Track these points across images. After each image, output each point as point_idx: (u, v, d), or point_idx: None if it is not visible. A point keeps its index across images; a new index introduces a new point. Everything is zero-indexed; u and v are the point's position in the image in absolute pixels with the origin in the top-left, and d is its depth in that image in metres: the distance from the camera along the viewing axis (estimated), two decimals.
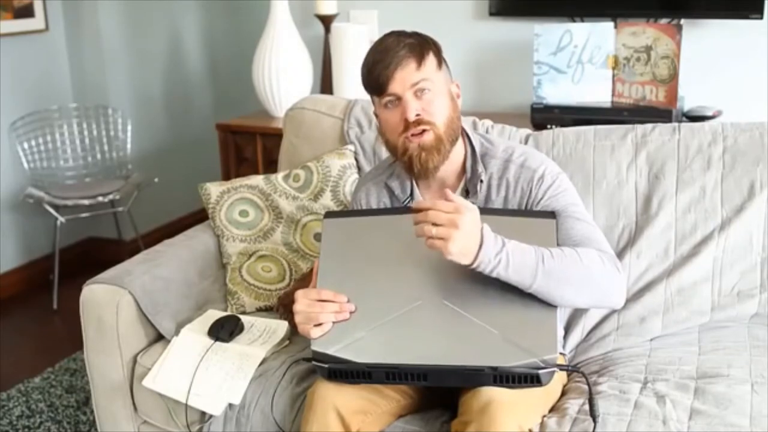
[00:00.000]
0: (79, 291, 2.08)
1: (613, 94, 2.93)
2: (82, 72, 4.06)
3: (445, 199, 1.53)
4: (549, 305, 1.57)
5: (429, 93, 1.69)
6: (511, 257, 1.52)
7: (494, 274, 1.52)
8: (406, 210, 1.78)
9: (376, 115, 1.80)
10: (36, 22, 3.84)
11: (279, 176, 2.38)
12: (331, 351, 1.59)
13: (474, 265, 1.51)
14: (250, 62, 3.46)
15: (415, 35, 1.73)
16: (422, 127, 1.68)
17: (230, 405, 1.86)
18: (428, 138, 1.69)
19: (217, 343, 1.97)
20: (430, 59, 1.71)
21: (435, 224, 1.48)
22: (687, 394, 1.66)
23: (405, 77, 1.67)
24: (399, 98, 1.69)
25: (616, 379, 1.75)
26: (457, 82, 1.80)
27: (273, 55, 3.36)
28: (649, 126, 2.12)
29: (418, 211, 1.53)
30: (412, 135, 1.69)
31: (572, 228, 1.70)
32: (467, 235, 1.49)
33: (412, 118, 1.67)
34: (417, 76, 1.68)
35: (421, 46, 1.71)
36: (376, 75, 1.69)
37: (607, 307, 1.93)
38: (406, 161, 1.72)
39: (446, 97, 1.73)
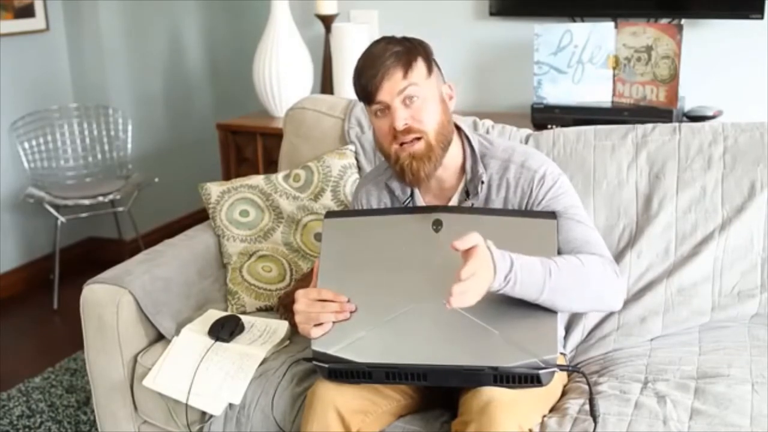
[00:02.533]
0: (80, 291, 2.08)
1: (613, 94, 2.93)
2: (83, 72, 4.06)
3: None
4: None
5: (418, 100, 1.67)
6: (519, 276, 1.52)
7: (501, 292, 1.52)
8: (407, 210, 1.78)
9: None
10: (36, 22, 3.84)
11: (279, 176, 2.38)
12: (332, 351, 1.59)
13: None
14: (251, 62, 3.45)
15: (404, 41, 1.72)
16: (412, 135, 1.67)
17: (230, 405, 1.86)
18: (419, 147, 1.68)
19: (218, 343, 1.97)
20: (419, 65, 1.69)
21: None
22: (687, 394, 1.66)
23: (392, 86, 1.66)
24: (388, 107, 1.68)
25: (617, 379, 1.75)
26: (450, 83, 1.78)
27: (273, 54, 3.36)
28: (649, 126, 2.12)
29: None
30: (403, 144, 1.68)
31: (572, 230, 1.70)
32: (484, 286, 1.49)
33: (400, 127, 1.66)
34: (403, 84, 1.66)
35: (408, 52, 1.69)
36: (364, 84, 1.68)
37: (605, 311, 1.93)
38: (398, 170, 1.72)
39: (436, 102, 1.71)
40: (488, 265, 1.48)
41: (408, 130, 1.67)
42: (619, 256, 2.00)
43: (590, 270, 1.59)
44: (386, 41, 1.72)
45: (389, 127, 1.68)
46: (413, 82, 1.67)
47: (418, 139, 1.68)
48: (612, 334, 1.96)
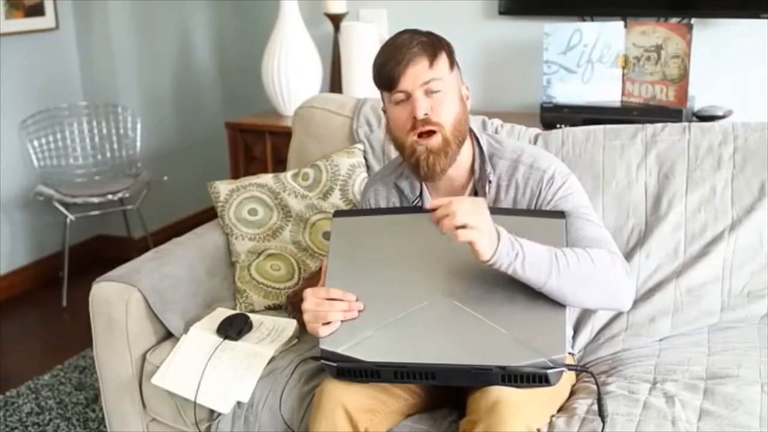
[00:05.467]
0: (89, 288, 2.08)
1: (622, 94, 2.92)
2: (92, 70, 4.07)
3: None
4: (558, 305, 1.56)
5: (439, 93, 1.68)
6: (526, 253, 1.51)
7: (510, 270, 1.51)
8: (416, 210, 1.78)
9: (384, 112, 1.80)
10: (46, 21, 3.85)
11: (288, 175, 2.38)
12: (340, 350, 1.59)
13: (493, 260, 1.50)
14: (260, 61, 3.46)
15: (429, 34, 1.73)
16: (430, 126, 1.68)
17: (239, 403, 1.86)
18: (436, 141, 1.69)
19: (226, 341, 1.97)
20: (443, 59, 1.70)
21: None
22: (696, 394, 1.65)
23: (416, 74, 1.67)
24: (409, 95, 1.68)
25: (625, 380, 1.75)
26: (467, 84, 1.80)
27: (282, 53, 3.36)
28: (659, 125, 2.11)
29: (433, 210, 1.52)
30: (420, 136, 1.68)
31: (581, 229, 1.70)
32: (490, 227, 1.50)
33: (420, 115, 1.67)
34: (428, 75, 1.67)
35: (434, 45, 1.70)
36: (387, 70, 1.68)
37: (614, 309, 1.92)
38: (413, 163, 1.72)
39: (456, 97, 1.72)
40: (487, 215, 1.51)
41: (427, 121, 1.68)
42: (628, 256, 2.00)
43: (598, 261, 1.59)
44: (411, 32, 1.73)
45: (408, 116, 1.69)
46: (437, 76, 1.68)
47: (435, 132, 1.68)
48: (621, 335, 1.95)
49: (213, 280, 2.24)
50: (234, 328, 1.99)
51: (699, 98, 2.88)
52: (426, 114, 1.67)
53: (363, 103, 2.45)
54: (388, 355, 1.57)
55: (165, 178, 3.91)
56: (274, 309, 2.21)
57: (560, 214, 1.68)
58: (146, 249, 2.50)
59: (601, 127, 2.15)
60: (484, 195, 1.77)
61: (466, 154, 1.78)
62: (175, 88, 4.41)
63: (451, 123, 1.70)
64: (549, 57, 2.92)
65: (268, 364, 1.91)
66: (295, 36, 3.38)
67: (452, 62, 1.74)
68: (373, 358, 1.57)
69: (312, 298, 1.63)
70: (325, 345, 1.60)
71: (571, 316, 1.96)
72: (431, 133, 1.68)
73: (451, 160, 1.72)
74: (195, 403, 1.88)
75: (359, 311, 1.62)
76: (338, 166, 2.34)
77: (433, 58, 1.68)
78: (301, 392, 1.82)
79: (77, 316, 3.50)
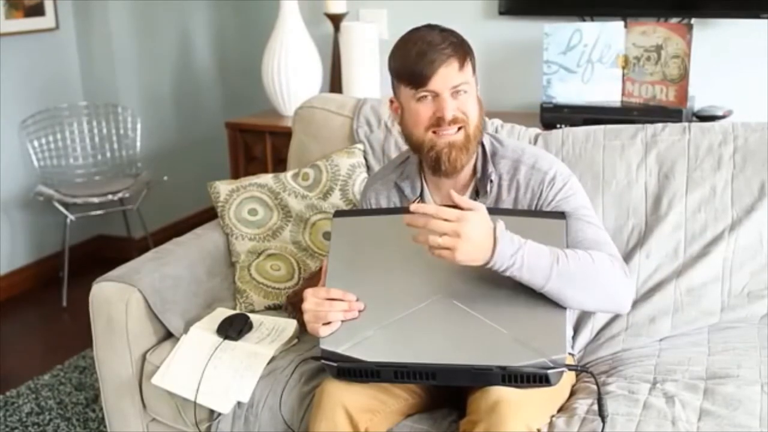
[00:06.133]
0: (89, 289, 2.08)
1: (623, 94, 2.92)
2: (92, 70, 4.07)
3: (449, 200, 1.53)
4: (558, 305, 1.57)
5: (465, 94, 1.69)
6: (526, 258, 1.52)
7: (507, 273, 1.52)
8: None
9: (391, 103, 1.79)
10: (46, 21, 3.85)
11: (288, 175, 2.38)
12: (340, 350, 1.59)
13: (489, 266, 1.51)
14: (260, 61, 3.46)
15: (456, 34, 1.73)
16: (457, 125, 1.69)
17: (239, 403, 1.86)
18: (459, 137, 1.70)
19: (226, 341, 1.97)
20: (469, 62, 1.71)
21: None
22: (696, 394, 1.65)
23: (447, 76, 1.66)
24: (436, 95, 1.68)
25: (625, 380, 1.75)
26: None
27: (282, 53, 3.36)
28: (659, 126, 2.11)
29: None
30: (437, 132, 1.69)
31: (581, 230, 1.70)
32: (473, 242, 1.49)
33: (449, 117, 1.68)
34: (459, 78, 1.68)
35: (463, 47, 1.71)
36: (418, 68, 1.66)
37: (613, 312, 1.92)
38: (433, 158, 1.72)
39: (475, 99, 1.74)
40: (482, 223, 1.50)
41: (454, 120, 1.68)
42: (628, 257, 2.00)
43: (599, 264, 1.59)
44: (439, 29, 1.72)
45: (431, 114, 1.69)
46: (466, 80, 1.69)
47: (460, 128, 1.69)
48: (621, 335, 1.95)
49: (213, 280, 2.24)
50: (234, 328, 1.99)
51: (699, 98, 2.88)
52: (454, 115, 1.68)
53: (363, 103, 2.45)
54: (389, 355, 1.57)
55: (165, 178, 3.91)
56: (274, 309, 2.21)
57: (560, 215, 1.68)
58: (146, 249, 2.50)
59: (601, 127, 2.15)
60: (486, 194, 1.77)
61: None
62: (175, 88, 4.41)
63: (474, 122, 1.71)
64: (549, 57, 2.92)
65: (268, 364, 1.91)
66: (295, 36, 3.38)
67: (474, 66, 1.75)
68: (374, 358, 1.58)
69: (312, 298, 1.63)
70: (325, 345, 1.60)
71: (571, 316, 1.96)
72: (457, 129, 1.69)
73: (469, 158, 1.74)
74: (195, 403, 1.88)
75: (359, 311, 1.62)
76: (338, 166, 2.34)
77: (463, 60, 1.69)
78: (301, 392, 1.82)
79: (77, 316, 3.50)
